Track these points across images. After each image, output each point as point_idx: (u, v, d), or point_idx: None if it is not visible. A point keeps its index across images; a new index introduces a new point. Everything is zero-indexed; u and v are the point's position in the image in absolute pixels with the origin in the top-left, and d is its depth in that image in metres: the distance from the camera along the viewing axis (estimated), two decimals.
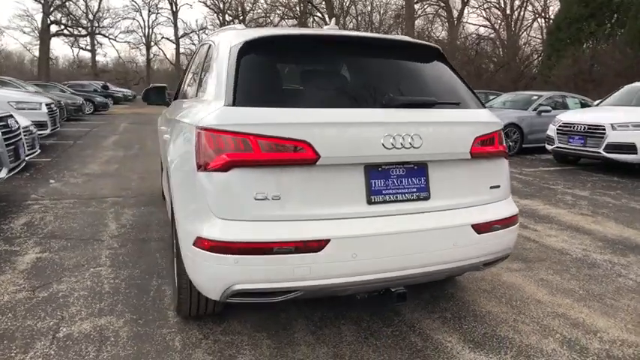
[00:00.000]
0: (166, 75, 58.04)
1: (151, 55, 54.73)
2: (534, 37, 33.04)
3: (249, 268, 1.90)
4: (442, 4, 36.52)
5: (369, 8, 40.63)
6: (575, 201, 5.72)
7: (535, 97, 10.80)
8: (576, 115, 8.25)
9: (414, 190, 2.13)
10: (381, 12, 40.25)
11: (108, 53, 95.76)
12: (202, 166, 1.99)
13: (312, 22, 45.88)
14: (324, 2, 40.32)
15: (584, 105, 10.87)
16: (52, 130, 9.56)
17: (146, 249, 3.63)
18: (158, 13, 52.65)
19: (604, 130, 7.36)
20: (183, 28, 58.87)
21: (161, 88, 4.25)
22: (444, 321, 2.64)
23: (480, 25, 38.65)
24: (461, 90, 2.45)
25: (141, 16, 79.30)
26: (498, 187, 2.39)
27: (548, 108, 10.20)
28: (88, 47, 47.90)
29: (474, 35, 31.69)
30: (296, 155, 1.93)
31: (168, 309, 2.67)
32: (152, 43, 53.44)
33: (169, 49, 72.18)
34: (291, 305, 2.72)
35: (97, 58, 49.85)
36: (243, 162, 1.91)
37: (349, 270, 1.97)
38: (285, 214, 1.94)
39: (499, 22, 37.15)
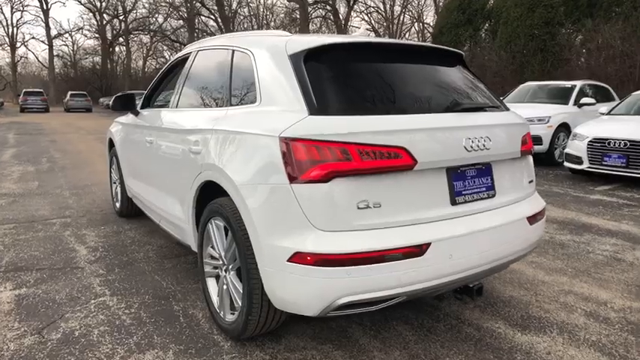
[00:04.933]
0: (39, 79, 52.23)
1: (18, 58, 48.72)
2: (413, 40, 35.80)
3: (360, 279, 1.85)
4: (330, 8, 37.90)
5: (261, 9, 40.61)
6: None
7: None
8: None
9: (484, 188, 2.24)
10: (273, 14, 40.48)
11: None
12: (296, 178, 1.88)
13: (199, 23, 44.59)
14: (213, 3, 39.36)
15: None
16: None
17: (139, 271, 3.28)
18: (24, 11, 46.81)
19: None
20: (57, 29, 53.38)
21: (131, 95, 3.88)
22: (481, 309, 2.80)
23: (366, 29, 40.83)
24: (489, 93, 2.62)
25: (2, 13, 70.04)
26: (532, 181, 2.61)
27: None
28: None
29: None
30: (395, 162, 1.92)
31: (212, 333, 2.46)
32: (18, 44, 47.56)
33: (39, 51, 64.76)
34: None
35: None
36: (345, 171, 1.85)
37: (447, 270, 2.01)
38: (387, 221, 1.92)
39: (382, 25, 39.69)
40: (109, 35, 50.72)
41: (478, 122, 2.23)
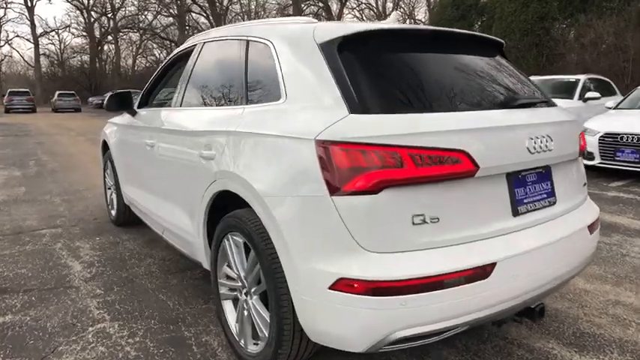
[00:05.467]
0: (24, 79, 51.29)
1: (2, 57, 47.78)
2: None
3: (417, 309, 1.54)
4: (322, 5, 37.57)
5: (253, 6, 40.16)
6: None
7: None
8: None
9: (545, 195, 1.94)
10: (266, 11, 40.06)
11: None
12: (338, 189, 1.57)
13: (189, 20, 44.01)
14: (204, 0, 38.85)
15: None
16: None
17: (141, 290, 2.95)
18: (8, 8, 45.64)
19: None
20: (43, 27, 52.45)
21: (127, 94, 3.53)
22: (528, 326, 2.50)
23: None
24: (534, 86, 2.33)
25: None
26: (585, 184, 2.33)
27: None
28: None
29: None
30: (455, 168, 1.61)
31: None
32: (2, 43, 46.64)
33: (24, 50, 63.56)
34: None
35: None
36: (397, 181, 1.54)
37: (513, 293, 1.71)
38: (445, 239, 1.61)
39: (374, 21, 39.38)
40: (97, 33, 49.91)
41: (540, 119, 1.93)
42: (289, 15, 34.50)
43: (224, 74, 2.53)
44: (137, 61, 54.64)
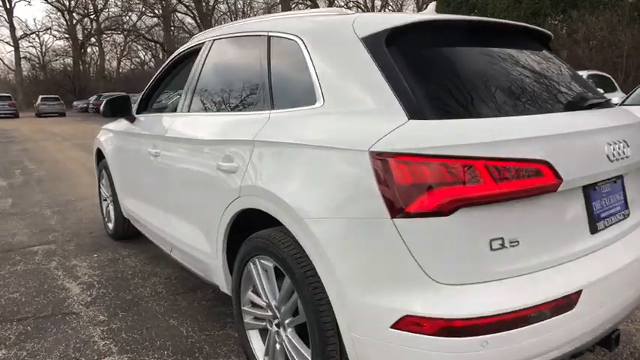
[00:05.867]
0: (4, 83, 50.21)
1: None
2: None
3: (499, 350, 1.30)
4: (310, 3, 37.25)
5: (240, 4, 39.73)
6: None
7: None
8: None
9: (619, 208, 1.72)
10: (253, 9, 39.68)
11: None
12: (400, 210, 1.32)
13: (175, 21, 43.44)
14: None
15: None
16: None
17: (149, 314, 2.67)
18: None
19: None
20: (23, 29, 51.32)
21: (125, 98, 3.25)
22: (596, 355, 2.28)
23: None
24: (587, 83, 2.11)
25: None
26: None
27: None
28: None
29: None
30: (536, 182, 1.37)
31: None
32: None
33: (4, 53, 62.21)
34: None
35: None
36: (473, 199, 1.30)
37: (597, 321, 1.48)
38: (526, 265, 1.37)
39: None
40: (79, 35, 49.02)
41: (615, 122, 1.71)
42: None
43: (240, 75, 2.26)
44: (122, 64, 53.89)
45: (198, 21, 38.19)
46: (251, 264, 1.90)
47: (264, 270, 1.84)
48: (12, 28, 45.00)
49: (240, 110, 2.21)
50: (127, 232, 3.87)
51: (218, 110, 2.39)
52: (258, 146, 1.83)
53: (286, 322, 1.76)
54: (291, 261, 1.62)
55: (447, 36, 1.67)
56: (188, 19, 41.88)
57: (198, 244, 2.34)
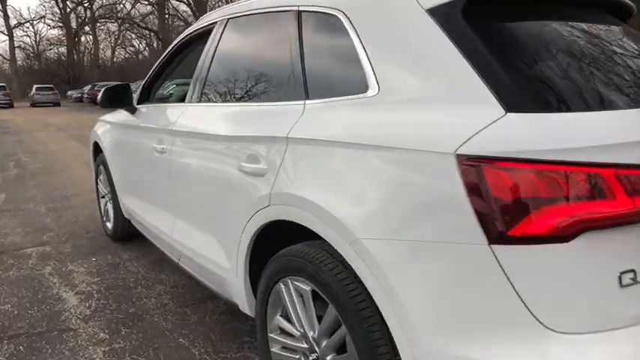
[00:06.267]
0: None
1: None
2: None
3: None
4: None
5: None
6: None
7: None
8: None
9: None
10: None
11: None
12: (501, 233, 1.01)
13: (169, 8, 42.73)
14: None
15: None
16: None
17: (155, 331, 2.37)
18: None
19: None
20: (17, 18, 50.54)
21: (124, 87, 2.92)
22: None
23: None
24: None
25: None
26: None
27: None
28: None
29: None
30: None
31: None
32: None
33: None
34: None
35: None
36: (602, 219, 0.99)
37: None
38: None
39: None
40: (73, 24, 48.29)
41: None
42: None
43: (264, 59, 1.94)
44: (116, 53, 53.14)
45: (194, 8, 37.50)
46: (281, 285, 1.60)
47: (299, 294, 1.54)
48: (6, 17, 44.26)
49: (263, 100, 1.87)
50: (127, 233, 3.55)
51: (236, 100, 2.06)
52: (293, 144, 1.51)
53: (328, 358, 1.45)
54: (339, 288, 1.32)
55: (540, 6, 1.35)
56: (183, 7, 41.15)
57: (213, 255, 2.03)
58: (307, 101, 1.59)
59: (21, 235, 3.93)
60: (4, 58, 49.34)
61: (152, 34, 45.92)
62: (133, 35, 49.82)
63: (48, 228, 4.12)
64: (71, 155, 8.58)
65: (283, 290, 1.59)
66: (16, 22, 46.56)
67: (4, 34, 45.23)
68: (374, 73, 1.36)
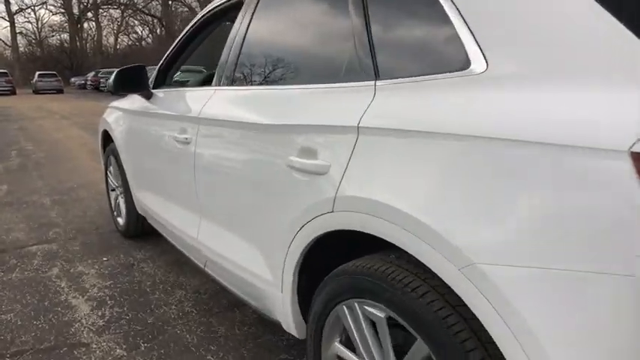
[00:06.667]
0: (1, 59, 49.14)
1: None
2: None
3: None
4: None
5: None
6: None
7: None
8: None
9: None
10: None
11: None
12: None
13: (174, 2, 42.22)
14: None
15: None
16: None
17: (179, 347, 2.09)
18: None
19: None
20: (18, 4, 49.99)
21: (140, 69, 2.60)
22: None
23: None
24: None
25: None
26: None
27: None
28: None
29: None
30: None
31: None
32: None
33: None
34: None
35: None
36: None
37: None
38: None
39: None
40: (75, 10, 47.68)
41: None
42: None
43: (314, 30, 1.62)
44: (119, 39, 52.58)
45: None
46: (344, 308, 1.30)
47: (368, 320, 1.24)
48: (7, 3, 43.78)
49: (315, 82, 1.55)
50: (142, 230, 3.27)
51: (279, 82, 1.75)
52: (366, 135, 1.19)
53: None
54: (434, 319, 1.02)
55: None
56: None
57: (249, 264, 1.73)
58: (378, 82, 1.27)
59: (25, 231, 3.65)
60: (6, 45, 48.93)
61: (155, 20, 45.35)
62: (136, 22, 49.29)
63: (54, 223, 3.84)
64: (76, 144, 8.29)
65: (347, 314, 1.30)
66: (18, 7, 46.14)
67: (6, 19, 44.83)
68: (478, 45, 1.04)
